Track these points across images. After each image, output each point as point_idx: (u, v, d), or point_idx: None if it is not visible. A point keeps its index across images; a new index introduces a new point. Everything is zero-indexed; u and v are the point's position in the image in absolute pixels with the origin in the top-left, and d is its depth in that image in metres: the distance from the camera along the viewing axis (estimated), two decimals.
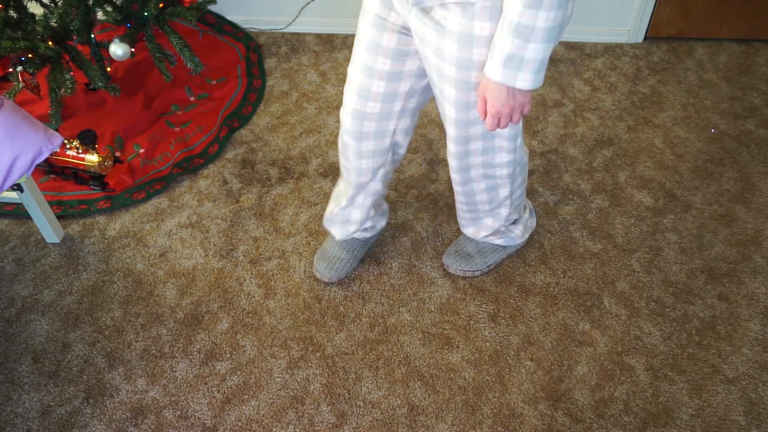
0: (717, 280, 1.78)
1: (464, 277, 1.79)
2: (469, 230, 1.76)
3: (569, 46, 2.51)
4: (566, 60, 2.45)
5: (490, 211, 1.67)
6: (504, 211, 1.66)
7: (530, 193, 2.00)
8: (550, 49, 1.08)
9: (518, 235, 1.76)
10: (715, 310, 1.72)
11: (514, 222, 1.75)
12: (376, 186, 1.64)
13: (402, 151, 1.60)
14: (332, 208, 1.74)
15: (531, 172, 2.06)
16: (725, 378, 1.59)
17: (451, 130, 1.41)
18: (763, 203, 1.96)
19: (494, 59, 1.11)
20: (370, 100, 1.43)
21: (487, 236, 1.74)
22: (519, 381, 1.59)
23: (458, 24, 1.17)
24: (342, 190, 1.70)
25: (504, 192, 1.59)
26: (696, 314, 1.71)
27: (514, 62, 1.09)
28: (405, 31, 1.32)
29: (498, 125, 1.21)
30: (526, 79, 1.10)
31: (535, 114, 2.25)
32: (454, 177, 1.57)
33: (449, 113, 1.36)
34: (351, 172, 1.61)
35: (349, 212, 1.71)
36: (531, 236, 1.88)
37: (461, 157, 1.48)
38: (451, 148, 1.47)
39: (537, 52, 1.07)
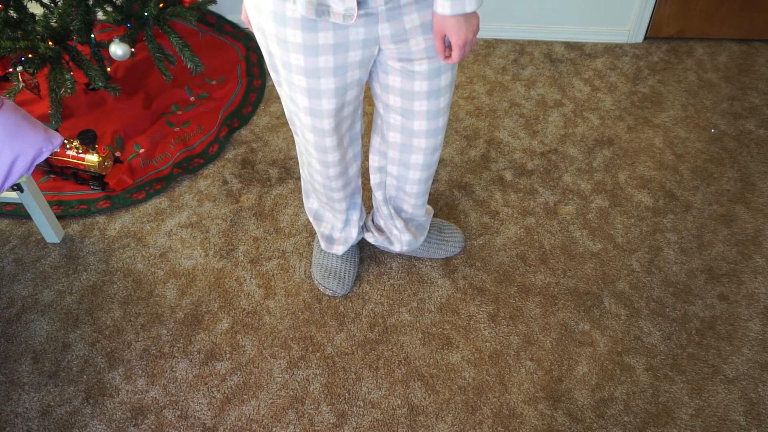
0: (717, 280, 1.78)
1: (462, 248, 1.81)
2: (421, 212, 1.71)
3: (569, 46, 2.51)
4: (566, 60, 2.45)
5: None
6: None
7: (530, 192, 2.01)
8: None
9: None
10: (715, 310, 1.72)
11: None
12: (360, 194, 1.66)
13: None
14: (327, 231, 1.73)
15: (531, 172, 2.06)
16: (725, 378, 1.59)
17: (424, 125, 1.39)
18: (763, 203, 1.96)
19: None
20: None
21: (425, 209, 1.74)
22: (519, 381, 1.59)
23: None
24: (332, 223, 1.70)
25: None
26: (696, 314, 1.71)
27: None
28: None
29: (463, 54, 1.24)
30: (471, 2, 1.14)
31: (535, 114, 2.25)
32: (424, 176, 1.54)
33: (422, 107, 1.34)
34: (337, 200, 1.59)
35: (350, 232, 1.72)
36: (531, 236, 1.89)
37: (435, 150, 1.46)
38: (428, 143, 1.43)
39: None
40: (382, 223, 1.73)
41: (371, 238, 1.77)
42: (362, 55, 1.23)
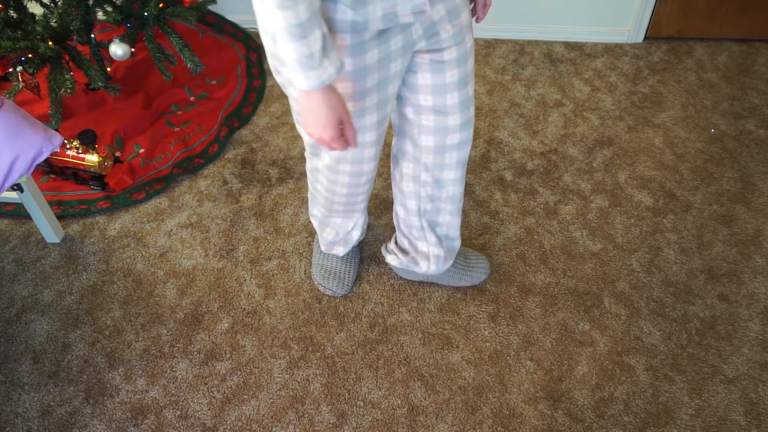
0: (717, 280, 1.78)
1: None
2: (457, 222, 1.65)
3: (569, 46, 2.51)
4: (566, 60, 2.45)
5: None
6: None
7: (530, 192, 2.01)
8: None
9: None
10: (715, 310, 1.72)
11: None
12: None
13: None
14: (330, 237, 1.71)
15: (531, 172, 2.06)
16: (725, 378, 1.59)
17: (458, 118, 1.39)
18: (763, 203, 1.96)
19: None
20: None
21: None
22: (519, 381, 1.59)
23: None
24: (340, 225, 1.68)
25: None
26: (696, 314, 1.71)
27: None
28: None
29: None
30: None
31: (535, 114, 2.25)
32: (458, 175, 1.51)
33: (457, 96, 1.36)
34: (359, 202, 1.58)
35: (352, 235, 1.71)
36: (531, 236, 1.89)
37: (468, 143, 1.46)
38: (462, 137, 1.42)
39: None
40: (406, 243, 1.67)
41: (395, 260, 1.72)
42: (401, 65, 1.25)
